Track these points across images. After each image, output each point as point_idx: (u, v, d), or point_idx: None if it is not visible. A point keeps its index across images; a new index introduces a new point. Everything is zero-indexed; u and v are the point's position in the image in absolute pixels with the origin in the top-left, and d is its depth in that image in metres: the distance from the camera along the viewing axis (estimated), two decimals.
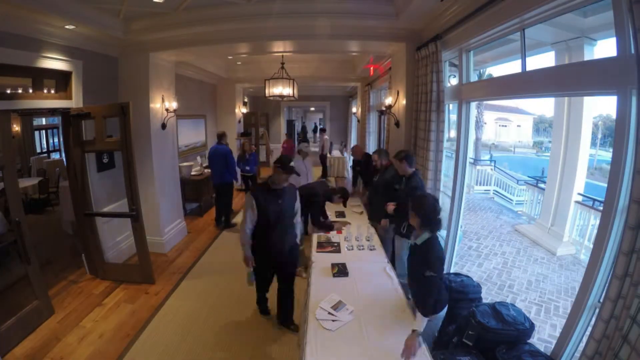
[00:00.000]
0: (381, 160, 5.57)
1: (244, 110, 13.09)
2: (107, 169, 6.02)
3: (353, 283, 3.71)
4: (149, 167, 6.39)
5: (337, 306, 3.18)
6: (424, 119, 5.14)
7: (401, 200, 4.44)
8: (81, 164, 5.46)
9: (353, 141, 15.19)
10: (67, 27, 4.85)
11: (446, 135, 5.24)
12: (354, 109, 14.30)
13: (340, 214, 5.85)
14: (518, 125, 38.58)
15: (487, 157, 19.92)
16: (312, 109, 24.30)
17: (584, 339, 2.71)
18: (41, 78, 4.95)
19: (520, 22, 3.56)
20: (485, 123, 26.32)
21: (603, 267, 2.59)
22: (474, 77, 4.81)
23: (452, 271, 4.97)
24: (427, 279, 2.94)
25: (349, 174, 13.94)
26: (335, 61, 10.93)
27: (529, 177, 12.30)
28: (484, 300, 4.04)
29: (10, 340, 4.04)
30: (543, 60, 5.34)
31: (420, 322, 2.86)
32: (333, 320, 3.00)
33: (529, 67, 3.65)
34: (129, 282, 5.59)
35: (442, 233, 5.18)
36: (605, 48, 5.64)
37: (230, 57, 9.83)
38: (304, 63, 10.40)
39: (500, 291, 5.65)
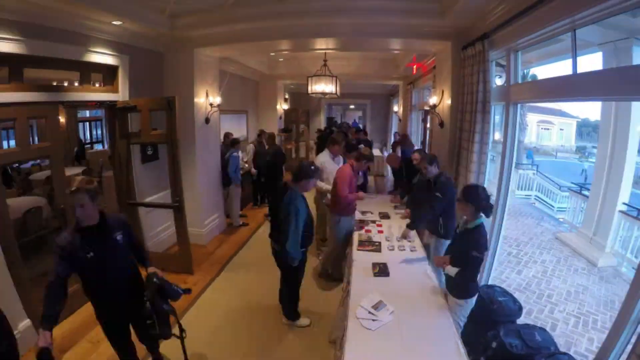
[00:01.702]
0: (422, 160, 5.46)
1: (285, 106, 13.14)
2: (151, 160, 6.18)
3: (394, 283, 3.68)
4: (192, 160, 6.51)
5: (378, 306, 3.17)
6: (469, 119, 5.05)
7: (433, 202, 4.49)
8: (127, 155, 5.61)
9: (392, 140, 15.05)
10: (114, 22, 4.98)
11: (491, 138, 5.14)
12: (395, 108, 14.17)
13: (384, 215, 5.76)
14: (561, 129, 37.44)
15: (529, 160, 19.44)
16: (352, 106, 24.24)
17: (624, 355, 2.62)
18: (89, 72, 5.10)
19: (571, 23, 3.43)
20: (527, 125, 25.69)
21: None
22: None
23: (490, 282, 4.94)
24: (472, 259, 3.19)
25: (388, 172, 13.81)
26: (378, 59, 10.86)
27: (572, 183, 11.95)
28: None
29: None
30: (589, 61, 5.20)
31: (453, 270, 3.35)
32: (373, 320, 3.00)
33: None
34: (168, 272, 5.64)
35: None
36: None
37: (272, 54, 9.91)
38: (345, 60, 10.38)
39: (538, 300, 5.53)
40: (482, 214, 3.29)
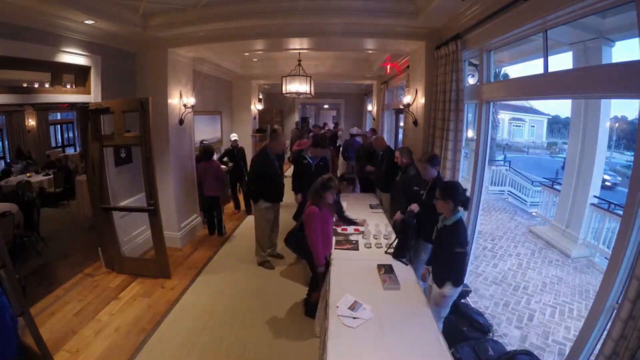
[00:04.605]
0: (402, 158, 5.53)
1: (259, 107, 13.08)
2: (125, 163, 6.07)
3: (373, 280, 3.70)
4: (166, 162, 6.43)
5: (354, 306, 3.16)
6: (442, 118, 5.11)
7: (424, 204, 4.37)
8: (100, 158, 5.50)
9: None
10: (86, 21, 4.86)
11: (464, 136, 5.21)
12: (369, 107, 14.20)
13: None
14: (532, 126, 38.20)
15: (501, 157, 19.79)
16: (326, 106, 24.24)
17: (601, 340, 2.69)
18: (60, 73, 4.99)
19: (542, 24, 3.52)
20: (499, 123, 26.11)
21: (622, 268, 2.55)
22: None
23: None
24: (455, 255, 3.30)
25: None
26: (352, 59, 10.86)
27: (544, 178, 12.22)
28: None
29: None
30: (560, 60, 5.31)
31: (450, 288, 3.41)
32: (354, 318, 3.02)
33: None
34: (145, 276, 5.63)
35: None
36: (623, 49, 5.60)
37: (246, 54, 9.84)
38: (319, 60, 10.39)
39: (515, 292, 5.63)
40: (460, 208, 3.36)
